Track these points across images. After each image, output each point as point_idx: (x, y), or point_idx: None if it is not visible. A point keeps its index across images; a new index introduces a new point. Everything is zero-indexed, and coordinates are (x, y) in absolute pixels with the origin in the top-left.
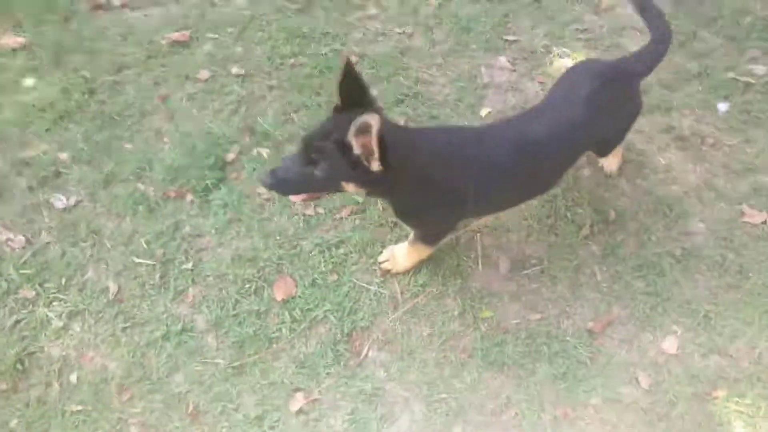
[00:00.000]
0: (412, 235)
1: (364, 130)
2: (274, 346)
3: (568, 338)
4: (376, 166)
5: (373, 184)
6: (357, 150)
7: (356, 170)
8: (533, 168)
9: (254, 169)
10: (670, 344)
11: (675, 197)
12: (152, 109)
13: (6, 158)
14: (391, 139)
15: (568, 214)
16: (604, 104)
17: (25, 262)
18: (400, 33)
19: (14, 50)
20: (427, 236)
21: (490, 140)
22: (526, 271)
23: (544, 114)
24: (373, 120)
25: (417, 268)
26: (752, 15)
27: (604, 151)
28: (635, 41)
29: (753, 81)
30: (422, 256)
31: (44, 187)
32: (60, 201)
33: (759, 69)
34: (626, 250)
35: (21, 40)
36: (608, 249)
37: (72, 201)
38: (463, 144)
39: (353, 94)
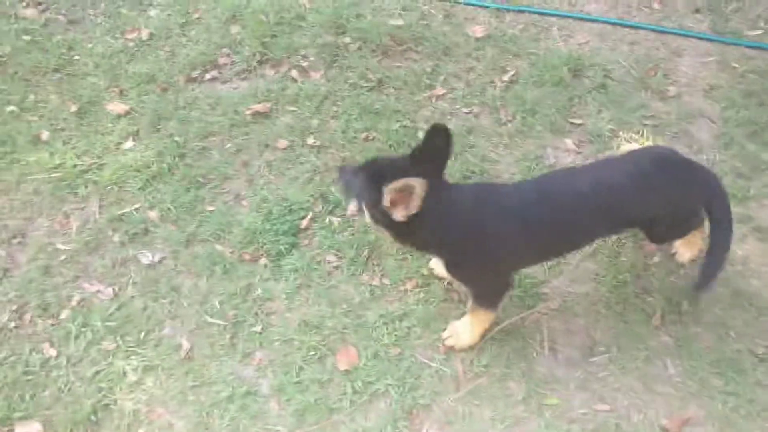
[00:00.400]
0: (470, 302)
1: (405, 190)
2: (334, 417)
3: None
4: (398, 217)
5: (394, 228)
6: (386, 201)
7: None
8: (564, 220)
9: (325, 237)
10: None
11: (755, 291)
12: (234, 174)
13: (104, 214)
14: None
15: (638, 302)
16: (653, 182)
17: (110, 315)
18: (467, 112)
19: (119, 116)
20: (481, 297)
21: (526, 190)
22: (593, 359)
23: (589, 173)
24: (418, 185)
25: (480, 348)
26: None
27: (654, 236)
28: (704, 128)
29: None
30: (484, 326)
31: (133, 243)
32: (146, 257)
33: None
34: (701, 344)
35: (125, 106)
36: (681, 341)
37: (157, 258)
38: (497, 194)
39: (435, 152)
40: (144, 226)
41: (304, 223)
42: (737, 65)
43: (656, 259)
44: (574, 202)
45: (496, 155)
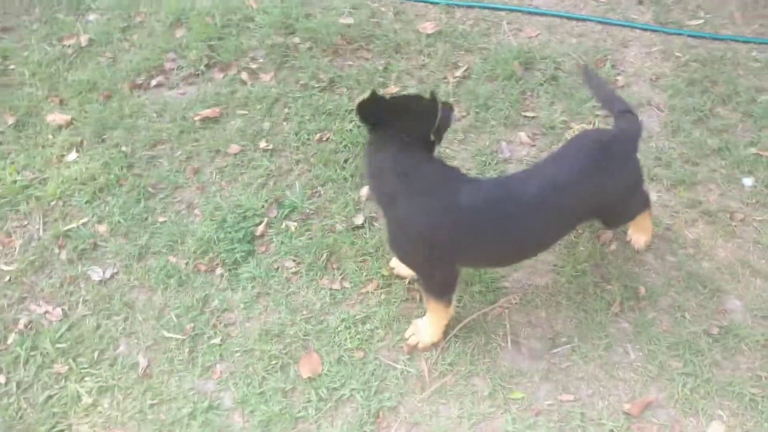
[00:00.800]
0: (424, 294)
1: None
2: (300, 426)
3: (604, 421)
4: None
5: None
6: None
7: None
8: (516, 227)
9: (282, 243)
10: (716, 430)
11: (707, 273)
12: (185, 183)
13: (48, 231)
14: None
15: (597, 291)
16: (597, 171)
17: (61, 336)
18: None
19: (60, 127)
20: (428, 287)
21: (477, 193)
22: (556, 350)
23: (536, 175)
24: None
25: (444, 346)
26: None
27: (609, 223)
28: (653, 117)
29: None
30: (443, 321)
31: (82, 259)
32: (97, 273)
33: None
34: (659, 329)
35: (66, 117)
36: (640, 327)
37: (108, 273)
38: (454, 184)
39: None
40: (93, 241)
41: (260, 229)
42: (680, 54)
43: (613, 247)
44: (525, 210)
45: (451, 151)
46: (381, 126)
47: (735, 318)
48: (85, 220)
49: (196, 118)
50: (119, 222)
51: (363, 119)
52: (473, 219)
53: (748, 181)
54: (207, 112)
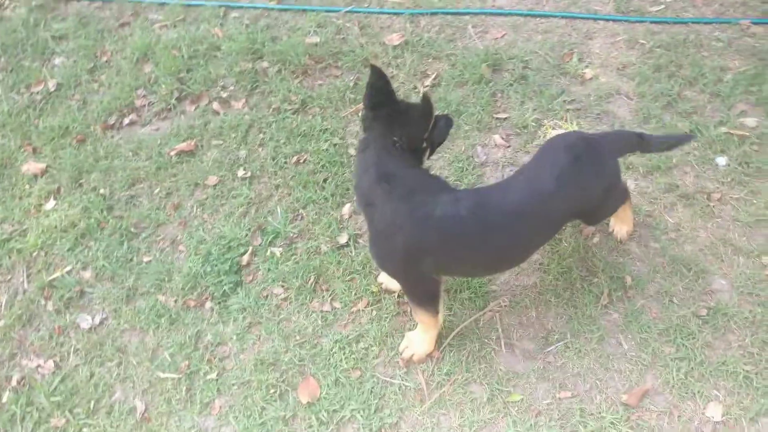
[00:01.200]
0: (410, 305)
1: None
2: None
3: (603, 414)
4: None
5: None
6: None
7: None
8: (499, 237)
9: (269, 270)
10: (714, 411)
11: (690, 256)
12: (166, 219)
13: (33, 283)
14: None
15: (585, 285)
16: (574, 176)
17: (55, 389)
18: None
19: (35, 176)
20: (410, 295)
21: (458, 202)
22: (549, 348)
23: (514, 185)
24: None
25: (440, 357)
26: (733, 71)
27: (590, 221)
28: (623, 106)
29: (747, 133)
30: (433, 330)
31: (70, 308)
32: (86, 321)
33: (750, 121)
34: (649, 316)
35: (41, 165)
36: (630, 316)
37: (97, 320)
38: (433, 196)
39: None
40: (79, 289)
41: (245, 259)
42: (644, 41)
43: (596, 239)
44: (507, 219)
45: (428, 160)
46: (377, 118)
47: (722, 297)
48: (69, 267)
49: (172, 153)
50: (104, 266)
51: (369, 103)
52: (455, 228)
53: (721, 161)
54: (182, 146)
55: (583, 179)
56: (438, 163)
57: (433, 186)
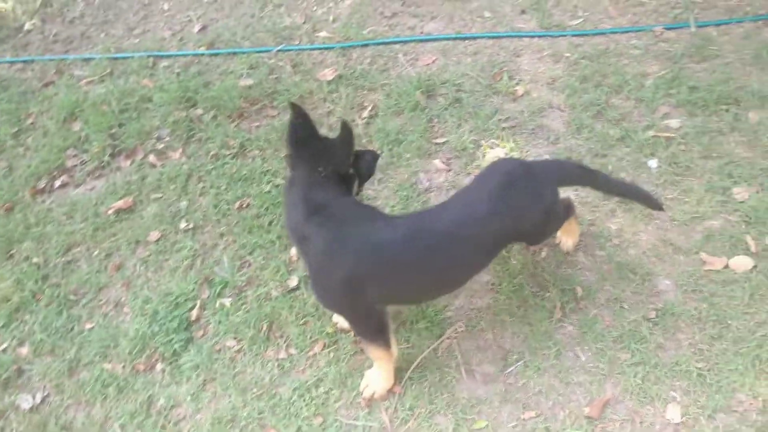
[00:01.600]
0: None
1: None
2: None
3: (568, 430)
4: None
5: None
6: None
7: None
8: (435, 259)
9: (220, 323)
10: (673, 412)
11: (634, 260)
12: (108, 282)
13: None
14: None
15: (537, 301)
16: (508, 200)
17: None
18: None
19: None
20: (361, 332)
21: (393, 229)
22: (509, 369)
23: (449, 208)
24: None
25: (401, 392)
26: (652, 76)
27: (532, 242)
28: (556, 119)
29: (672, 135)
30: (388, 364)
31: (8, 388)
32: (26, 401)
33: (674, 123)
34: (602, 324)
35: None
36: (584, 327)
37: (38, 398)
38: (367, 227)
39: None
40: (16, 367)
41: (194, 313)
42: (569, 54)
43: (543, 254)
44: (442, 243)
45: (373, 191)
46: (300, 155)
47: (668, 298)
48: (4, 345)
49: (110, 212)
50: (42, 340)
51: (290, 141)
52: (392, 254)
53: (653, 164)
54: (119, 204)
55: (518, 204)
56: (383, 193)
57: (365, 214)
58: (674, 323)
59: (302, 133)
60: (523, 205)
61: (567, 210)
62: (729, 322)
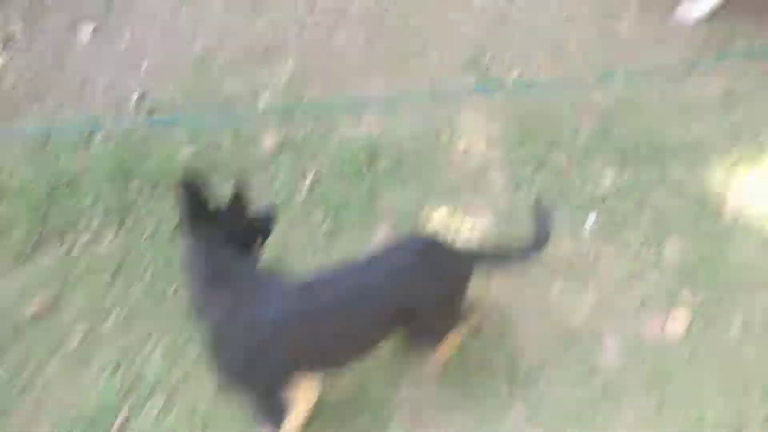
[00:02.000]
0: None
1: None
2: None
3: None
4: None
5: None
6: None
7: None
8: (325, 328)
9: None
10: None
11: (578, 327)
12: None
13: None
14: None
15: (485, 388)
16: (408, 276)
17: None
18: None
19: None
20: (260, 412)
21: (287, 298)
22: None
23: (344, 274)
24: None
25: None
26: (586, 130)
27: (414, 330)
28: (498, 176)
29: (607, 188)
30: None
31: None
32: None
33: (608, 174)
34: (549, 401)
35: None
36: (533, 407)
37: None
38: (261, 297)
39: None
40: None
41: (119, 422)
42: (506, 110)
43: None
44: (332, 310)
45: (316, 262)
46: (195, 225)
47: (612, 365)
48: None
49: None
50: None
51: (185, 208)
52: (285, 324)
53: (591, 218)
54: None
55: (416, 279)
56: (328, 264)
57: (261, 280)
58: (621, 394)
59: (194, 203)
60: (421, 281)
61: (461, 319)
62: (672, 384)
